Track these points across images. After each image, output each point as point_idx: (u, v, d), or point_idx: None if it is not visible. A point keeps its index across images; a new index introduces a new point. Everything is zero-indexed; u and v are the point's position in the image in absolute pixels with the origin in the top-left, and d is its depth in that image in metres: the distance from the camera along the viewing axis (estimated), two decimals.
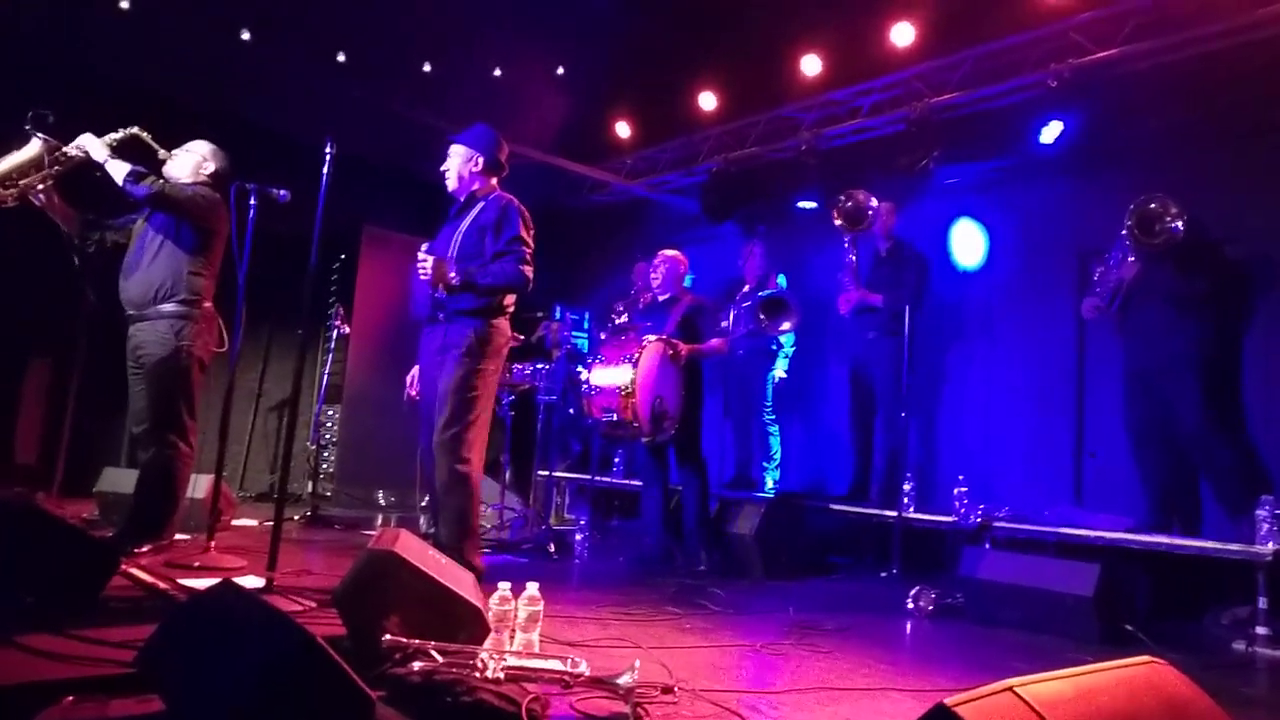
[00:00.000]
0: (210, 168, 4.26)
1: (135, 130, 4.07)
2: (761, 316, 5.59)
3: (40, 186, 3.92)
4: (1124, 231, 4.64)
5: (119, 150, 4.01)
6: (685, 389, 5.09)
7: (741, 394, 6.49)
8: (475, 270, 3.69)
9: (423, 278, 3.69)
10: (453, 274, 3.68)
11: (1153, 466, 4.74)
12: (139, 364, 4.06)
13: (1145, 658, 1.65)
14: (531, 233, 3.84)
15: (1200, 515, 4.63)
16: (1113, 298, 4.79)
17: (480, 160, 3.93)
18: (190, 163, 4.22)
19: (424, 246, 3.78)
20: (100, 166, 3.95)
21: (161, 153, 4.15)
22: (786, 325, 5.75)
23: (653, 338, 5.05)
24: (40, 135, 3.91)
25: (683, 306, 5.29)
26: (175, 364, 4.01)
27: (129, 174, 3.92)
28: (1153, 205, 4.46)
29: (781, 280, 6.37)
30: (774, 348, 6.41)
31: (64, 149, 3.93)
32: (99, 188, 4.03)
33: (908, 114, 5.94)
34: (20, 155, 3.88)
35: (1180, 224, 4.37)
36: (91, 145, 3.95)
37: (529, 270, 3.76)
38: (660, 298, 5.48)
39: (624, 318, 6.12)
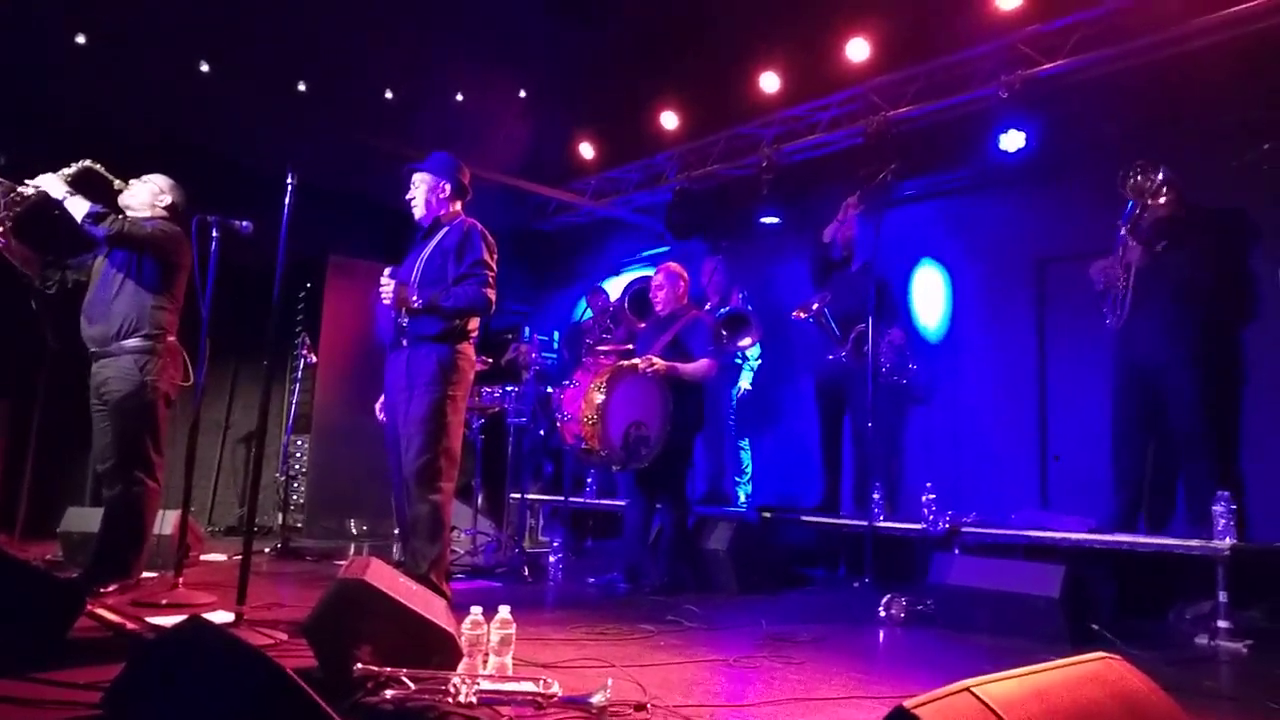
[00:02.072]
0: (166, 200, 4.22)
1: (88, 163, 4.02)
2: (723, 333, 5.62)
3: None
4: (1122, 227, 4.67)
5: (74, 184, 3.96)
6: (672, 412, 4.86)
7: (711, 410, 6.52)
8: (438, 294, 3.72)
9: (385, 301, 3.71)
10: (415, 298, 3.71)
11: (1132, 462, 4.75)
12: (103, 401, 4.01)
13: (1099, 654, 1.70)
14: (495, 256, 3.88)
15: (1173, 513, 4.68)
16: (1123, 293, 4.69)
17: (447, 187, 3.98)
18: (146, 193, 4.18)
19: (387, 270, 3.79)
20: (59, 204, 3.90)
21: (117, 183, 4.11)
22: (746, 341, 5.78)
23: (636, 360, 4.90)
24: None
25: (678, 324, 5.13)
26: (141, 399, 3.97)
27: (88, 214, 3.87)
28: (1137, 176, 4.50)
29: (742, 296, 6.43)
30: (738, 361, 6.44)
31: (19, 189, 3.88)
32: (53, 226, 3.99)
33: (864, 128, 6.05)
34: None
35: (1162, 174, 4.42)
36: (49, 184, 3.90)
37: (492, 293, 3.79)
38: (662, 314, 5.28)
39: (592, 336, 6.13)
